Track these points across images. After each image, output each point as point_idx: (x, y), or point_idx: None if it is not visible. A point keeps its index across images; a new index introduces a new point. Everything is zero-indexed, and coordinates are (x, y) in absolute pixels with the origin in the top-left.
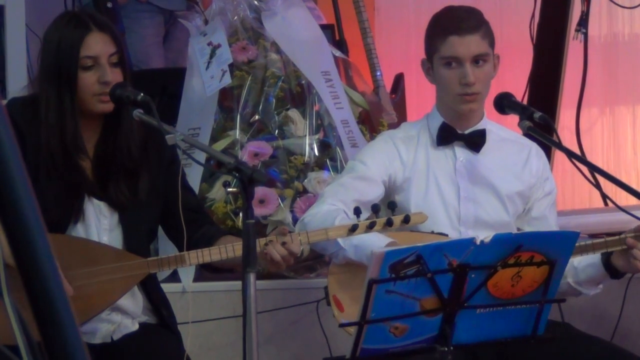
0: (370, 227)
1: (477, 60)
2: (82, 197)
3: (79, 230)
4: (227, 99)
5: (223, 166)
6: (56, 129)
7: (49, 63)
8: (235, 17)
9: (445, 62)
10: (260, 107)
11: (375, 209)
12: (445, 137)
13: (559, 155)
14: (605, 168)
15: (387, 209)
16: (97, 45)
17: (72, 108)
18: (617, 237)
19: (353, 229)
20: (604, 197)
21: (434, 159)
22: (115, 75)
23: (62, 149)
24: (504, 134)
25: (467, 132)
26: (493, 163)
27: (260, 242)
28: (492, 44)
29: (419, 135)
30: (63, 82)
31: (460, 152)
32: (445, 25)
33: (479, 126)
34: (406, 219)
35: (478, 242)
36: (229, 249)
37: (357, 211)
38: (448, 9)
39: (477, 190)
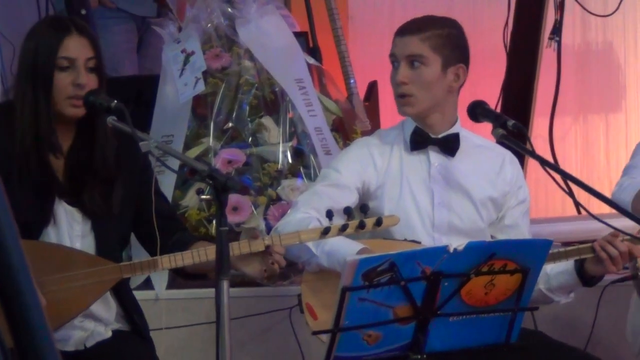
0: (343, 229)
1: (411, 61)
2: (53, 200)
3: (50, 235)
4: (200, 106)
5: (197, 173)
6: (31, 127)
7: (27, 63)
8: (209, 25)
9: (391, 61)
10: (234, 114)
11: (347, 211)
12: (419, 141)
13: (532, 163)
14: (578, 176)
15: (360, 212)
16: (76, 47)
17: (47, 108)
18: (589, 244)
19: (325, 232)
20: (577, 205)
21: (408, 165)
22: (90, 81)
23: (36, 147)
24: (478, 141)
25: (440, 136)
26: (467, 168)
27: (241, 244)
28: (438, 49)
29: (394, 142)
30: (39, 81)
31: (435, 158)
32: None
33: (452, 130)
34: (378, 222)
35: (451, 250)
36: (202, 254)
37: (330, 214)
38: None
39: (452, 196)
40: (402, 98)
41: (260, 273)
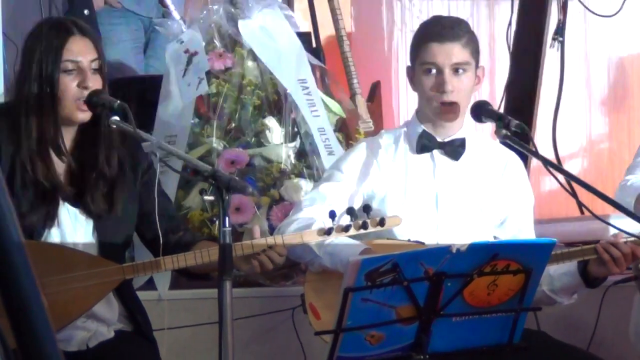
0: (345, 230)
1: (456, 68)
2: (57, 202)
3: (53, 236)
4: (203, 106)
5: (199, 174)
6: (37, 130)
7: (30, 66)
8: (212, 25)
9: (425, 68)
10: (237, 114)
11: (350, 212)
12: (425, 144)
13: (535, 163)
14: (581, 177)
15: (362, 212)
16: (80, 49)
17: (54, 112)
18: (592, 245)
19: (328, 233)
20: (581, 205)
21: (413, 167)
22: (95, 82)
23: (42, 150)
24: (482, 142)
25: (446, 140)
26: (472, 171)
27: (243, 245)
28: (474, 54)
29: (398, 143)
30: (44, 84)
31: (440, 160)
32: (427, 32)
33: (459, 134)
34: (381, 222)
35: (454, 251)
36: (204, 254)
37: (332, 214)
38: (435, 18)
39: (456, 198)
40: (447, 105)
41: (253, 269)
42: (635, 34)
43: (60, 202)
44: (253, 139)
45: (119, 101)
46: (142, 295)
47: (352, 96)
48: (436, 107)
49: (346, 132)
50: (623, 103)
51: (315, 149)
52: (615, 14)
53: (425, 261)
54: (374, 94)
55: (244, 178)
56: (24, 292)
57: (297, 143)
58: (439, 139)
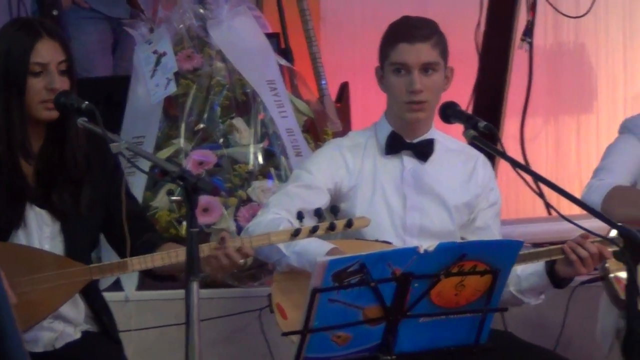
0: (313, 231)
1: (426, 68)
2: (24, 203)
3: (20, 237)
4: (172, 107)
5: (167, 175)
6: (3, 133)
7: None
8: (181, 26)
9: (394, 68)
10: (205, 115)
11: (318, 213)
12: (394, 145)
13: (503, 164)
14: (548, 177)
15: (330, 213)
16: (48, 52)
17: (21, 113)
18: (559, 246)
19: (295, 234)
20: (548, 206)
21: (382, 168)
22: (62, 84)
23: (9, 153)
24: (450, 144)
25: (415, 141)
26: (440, 173)
27: (211, 245)
28: (443, 54)
29: (367, 144)
30: (11, 87)
31: (408, 161)
32: (396, 33)
33: (427, 136)
34: (349, 223)
35: (421, 251)
36: (172, 255)
37: (300, 215)
38: (403, 18)
39: (424, 200)
40: (416, 104)
41: (214, 269)
42: (603, 35)
43: (27, 203)
44: (221, 140)
45: (86, 102)
46: (109, 296)
47: (321, 97)
48: (405, 107)
49: (314, 133)
50: (591, 104)
51: (283, 150)
52: (584, 15)
53: (392, 262)
54: (342, 95)
55: (212, 179)
56: None
57: (265, 144)
58: (407, 140)
